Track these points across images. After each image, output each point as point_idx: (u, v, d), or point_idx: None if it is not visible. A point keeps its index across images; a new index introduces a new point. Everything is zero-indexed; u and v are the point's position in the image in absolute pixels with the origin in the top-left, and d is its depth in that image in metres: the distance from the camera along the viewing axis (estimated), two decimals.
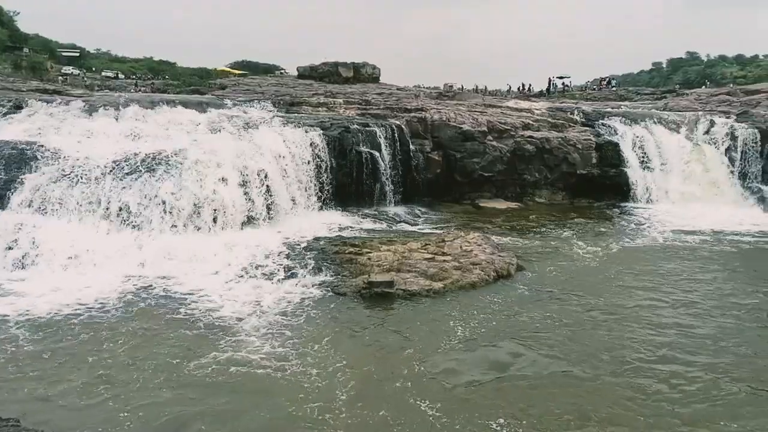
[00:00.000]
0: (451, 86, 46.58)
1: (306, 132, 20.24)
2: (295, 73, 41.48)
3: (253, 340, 10.03)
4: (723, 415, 7.90)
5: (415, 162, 23.09)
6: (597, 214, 22.42)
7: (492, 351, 9.78)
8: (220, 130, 19.80)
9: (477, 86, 47.65)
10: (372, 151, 21.36)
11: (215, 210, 16.08)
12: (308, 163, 19.64)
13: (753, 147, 24.87)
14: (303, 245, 15.46)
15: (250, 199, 17.15)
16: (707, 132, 25.81)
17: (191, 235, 15.34)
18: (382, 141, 21.88)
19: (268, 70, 58.80)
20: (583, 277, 14.10)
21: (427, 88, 46.19)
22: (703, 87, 48.16)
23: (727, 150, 25.06)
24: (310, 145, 19.94)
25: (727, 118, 26.67)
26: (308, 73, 38.13)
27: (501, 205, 23.82)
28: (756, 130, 25.15)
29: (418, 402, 8.14)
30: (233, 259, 14.29)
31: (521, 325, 11.06)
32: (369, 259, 14.22)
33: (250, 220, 16.97)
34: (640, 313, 11.75)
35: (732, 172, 24.79)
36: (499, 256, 14.83)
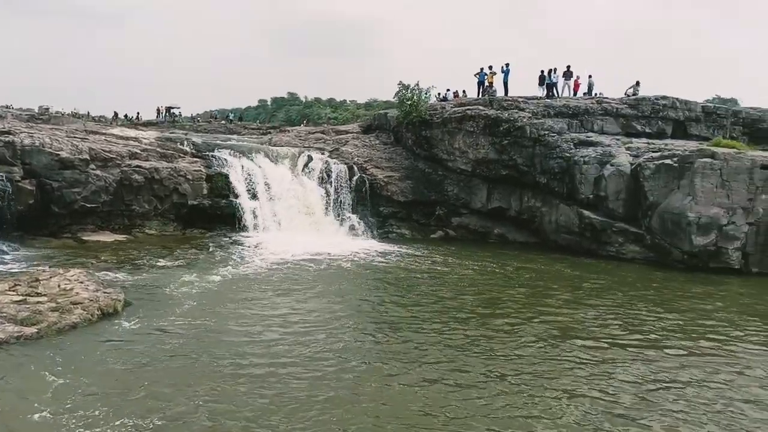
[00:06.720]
0: (47, 109, 42.43)
1: None
2: None
3: None
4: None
5: (2, 192, 20.12)
6: (208, 244, 22.62)
7: (93, 400, 8.93)
8: None
9: (77, 111, 44.14)
10: None
11: None
12: None
13: (344, 180, 28.16)
14: None
15: None
16: (306, 166, 28.38)
17: None
18: None
19: None
20: (191, 308, 13.95)
21: (17, 109, 41.08)
22: (302, 125, 52.98)
23: (323, 182, 27.89)
24: None
25: (323, 154, 29.73)
26: None
27: (108, 237, 22.39)
28: (345, 166, 28.58)
29: None
30: None
31: (129, 363, 10.38)
32: None
33: None
34: (247, 335, 12.14)
35: (328, 202, 27.60)
36: (105, 292, 13.81)
